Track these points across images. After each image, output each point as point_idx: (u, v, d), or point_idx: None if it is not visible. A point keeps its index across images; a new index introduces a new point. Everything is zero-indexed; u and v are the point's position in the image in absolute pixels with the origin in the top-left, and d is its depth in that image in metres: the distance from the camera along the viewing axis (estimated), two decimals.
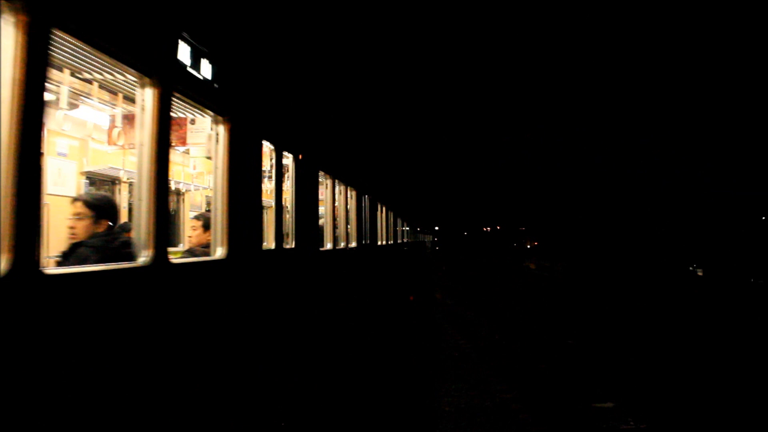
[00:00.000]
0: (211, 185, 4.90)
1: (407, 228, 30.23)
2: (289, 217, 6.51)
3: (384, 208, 16.09)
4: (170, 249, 3.52)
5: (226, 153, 4.28)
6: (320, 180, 8.37)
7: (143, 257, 3.17)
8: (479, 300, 21.97)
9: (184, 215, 7.58)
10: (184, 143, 5.29)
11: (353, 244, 10.84)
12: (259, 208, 5.19)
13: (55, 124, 5.11)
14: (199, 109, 4.59)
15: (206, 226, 5.21)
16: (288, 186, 6.54)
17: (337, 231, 9.51)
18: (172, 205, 8.11)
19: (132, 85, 4.28)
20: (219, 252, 4.22)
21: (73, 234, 3.83)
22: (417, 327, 13.94)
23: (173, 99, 3.59)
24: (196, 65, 3.89)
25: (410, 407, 7.54)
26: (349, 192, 10.54)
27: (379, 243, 15.37)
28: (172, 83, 3.45)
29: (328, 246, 8.93)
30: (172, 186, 7.48)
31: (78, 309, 2.54)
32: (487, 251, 71.45)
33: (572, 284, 27.97)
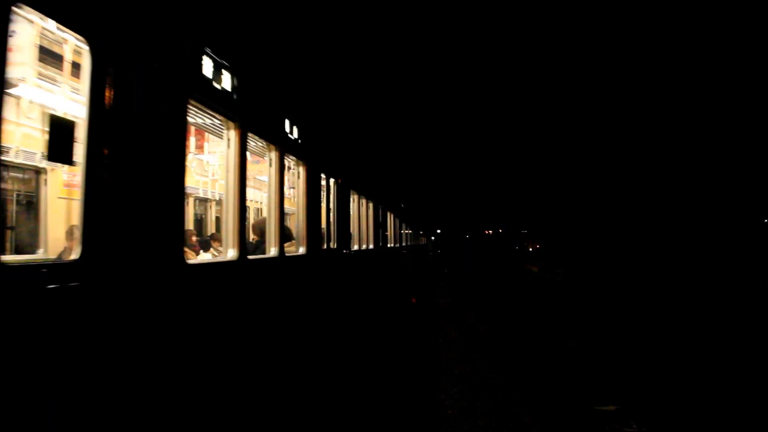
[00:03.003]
0: None
1: (410, 231, 30.25)
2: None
3: (387, 212, 15.97)
4: None
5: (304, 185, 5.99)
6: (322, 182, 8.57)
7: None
8: (481, 303, 21.97)
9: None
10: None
11: (356, 247, 10.81)
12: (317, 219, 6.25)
13: None
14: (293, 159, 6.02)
15: None
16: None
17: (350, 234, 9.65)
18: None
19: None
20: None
21: None
22: (420, 330, 13.96)
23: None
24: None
25: (414, 410, 7.56)
26: (358, 198, 10.59)
27: (383, 246, 15.24)
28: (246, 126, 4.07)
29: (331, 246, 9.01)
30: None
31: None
32: (488, 253, 71.41)
33: (574, 287, 27.96)
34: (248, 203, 6.89)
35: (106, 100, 2.49)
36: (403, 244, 21.51)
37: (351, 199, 9.87)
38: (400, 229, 19.69)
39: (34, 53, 3.76)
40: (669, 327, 15.50)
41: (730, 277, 24.41)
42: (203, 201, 9.65)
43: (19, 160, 5.01)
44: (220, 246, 4.95)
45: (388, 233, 16.10)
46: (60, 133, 2.33)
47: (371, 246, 12.04)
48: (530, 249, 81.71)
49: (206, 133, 7.39)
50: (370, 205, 12.12)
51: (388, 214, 16.26)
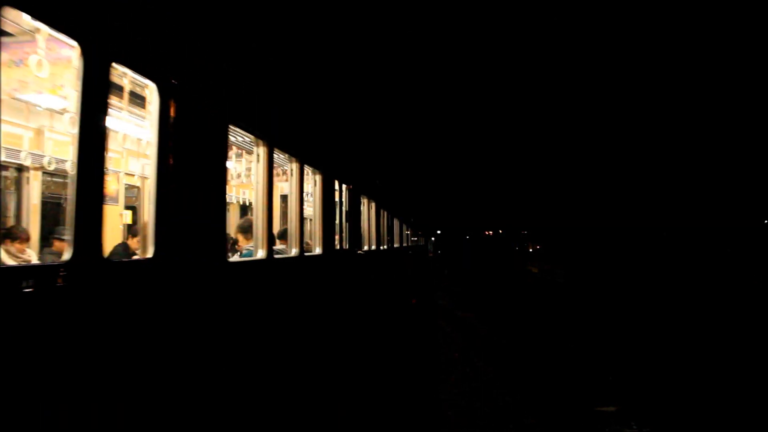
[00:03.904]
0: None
1: (409, 232, 30.24)
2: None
3: (388, 214, 15.73)
4: None
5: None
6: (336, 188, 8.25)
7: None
8: (481, 304, 21.97)
9: None
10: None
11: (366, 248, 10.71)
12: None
13: None
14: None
15: None
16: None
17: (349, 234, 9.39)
18: None
19: None
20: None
21: None
22: (419, 330, 13.96)
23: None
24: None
25: (413, 411, 7.56)
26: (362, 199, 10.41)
27: (384, 247, 15.09)
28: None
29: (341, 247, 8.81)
30: None
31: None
32: (489, 255, 71.44)
33: (574, 288, 27.96)
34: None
35: None
36: (396, 245, 20.90)
37: (288, 168, 5.83)
38: (390, 224, 18.84)
39: None
40: (669, 327, 15.51)
41: (730, 277, 24.43)
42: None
43: None
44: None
45: (367, 229, 11.70)
46: None
47: (338, 246, 7.96)
48: (530, 249, 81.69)
49: None
50: (332, 183, 7.69)
51: (365, 200, 11.08)
